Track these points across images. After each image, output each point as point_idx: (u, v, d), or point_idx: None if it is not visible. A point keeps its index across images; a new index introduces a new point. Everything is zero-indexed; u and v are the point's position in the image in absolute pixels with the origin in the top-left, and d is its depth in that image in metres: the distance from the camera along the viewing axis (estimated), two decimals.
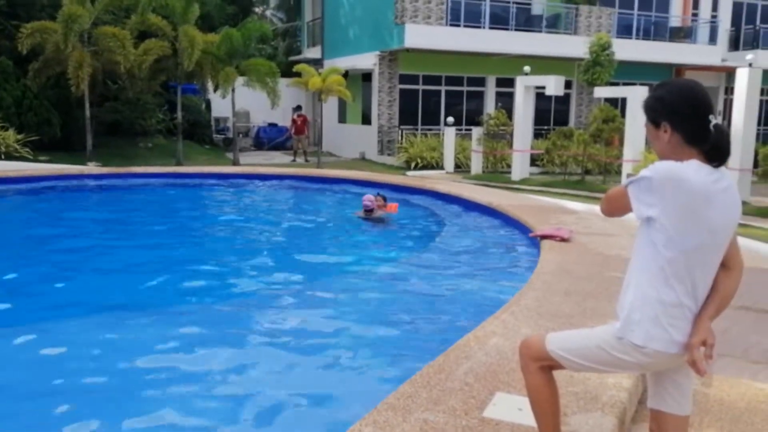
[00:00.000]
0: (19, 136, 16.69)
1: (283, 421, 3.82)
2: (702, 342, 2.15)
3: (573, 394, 3.27)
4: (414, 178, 16.02)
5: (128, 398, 4.10)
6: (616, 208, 2.32)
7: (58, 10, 16.57)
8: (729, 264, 2.25)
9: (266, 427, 3.79)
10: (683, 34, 25.41)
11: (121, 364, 4.58)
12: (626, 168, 14.87)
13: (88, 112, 17.30)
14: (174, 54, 18.30)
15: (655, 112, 2.23)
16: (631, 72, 22.13)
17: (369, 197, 10.36)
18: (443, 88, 22.80)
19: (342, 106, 24.18)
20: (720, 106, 26.58)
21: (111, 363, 4.59)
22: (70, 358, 4.69)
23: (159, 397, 4.10)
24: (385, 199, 10.67)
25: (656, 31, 25.13)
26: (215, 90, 20.16)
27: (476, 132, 18.52)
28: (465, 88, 23.16)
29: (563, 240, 7.30)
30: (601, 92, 17.01)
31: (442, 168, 19.24)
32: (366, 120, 23.18)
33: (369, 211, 10.24)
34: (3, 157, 16.06)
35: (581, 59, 19.61)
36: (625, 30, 24.44)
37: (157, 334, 5.24)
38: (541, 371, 2.45)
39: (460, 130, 20.72)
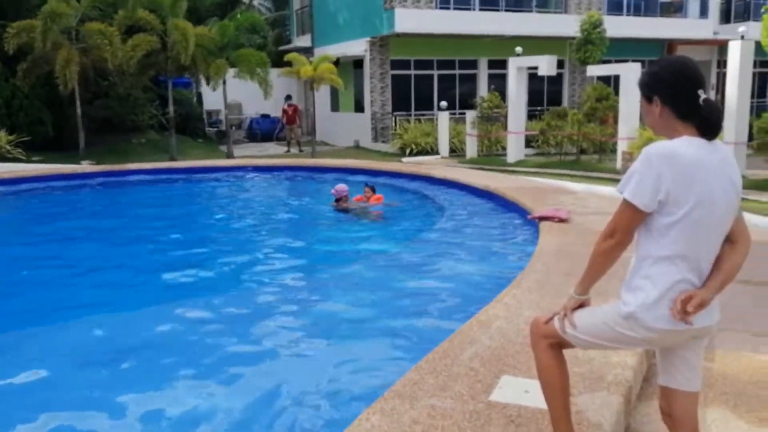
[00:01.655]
0: (11, 137, 16.61)
1: (288, 411, 3.83)
2: (694, 300, 2.15)
3: (578, 374, 3.28)
4: (409, 164, 15.99)
5: (129, 393, 4.10)
6: (625, 225, 2.21)
7: None
8: (735, 238, 2.26)
9: (271, 417, 3.80)
10: (674, 9, 25.34)
11: (122, 358, 4.59)
12: (621, 146, 14.86)
13: (79, 110, 17.22)
14: (163, 48, 18.18)
15: (647, 87, 2.27)
16: (624, 49, 22.06)
17: (340, 187, 10.12)
18: (435, 73, 22.72)
19: (334, 94, 24.08)
20: (713, 80, 26.56)
21: (110, 357, 4.60)
22: (72, 353, 4.69)
23: (159, 389, 4.11)
24: (373, 189, 10.47)
25: (647, 6, 25.03)
26: (207, 83, 20.06)
27: (470, 115, 18.47)
28: (457, 72, 23.08)
29: (562, 221, 7.31)
30: (594, 70, 16.96)
31: (437, 153, 19.21)
32: (359, 107, 23.10)
33: (338, 200, 10.04)
34: None
35: (573, 38, 19.54)
36: (616, 7, 24.35)
37: (150, 328, 5.24)
38: (550, 349, 2.48)
39: (454, 114, 20.67)
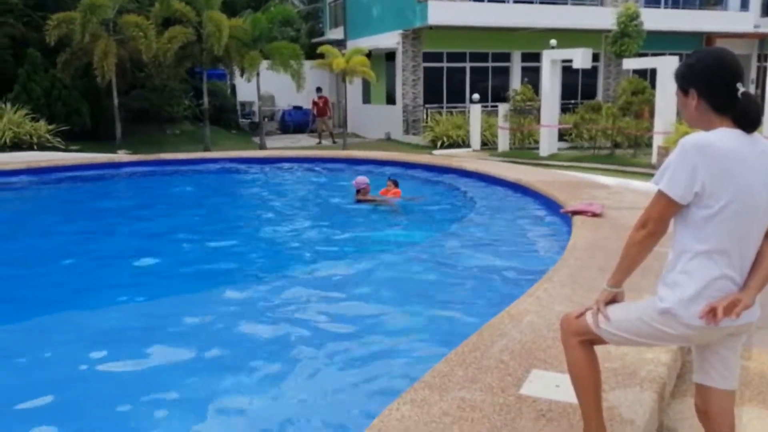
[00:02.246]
0: (51, 127, 16.98)
1: (317, 401, 3.87)
2: (738, 308, 2.12)
3: (611, 369, 3.25)
4: (440, 156, 15.94)
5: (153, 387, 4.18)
6: (659, 215, 2.19)
7: None
8: None
9: (300, 406, 3.84)
10: (713, 1, 24.78)
11: (150, 346, 4.68)
12: (657, 140, 14.61)
13: (116, 101, 17.52)
14: (198, 40, 18.39)
15: (683, 79, 2.23)
16: (661, 42, 21.65)
17: (360, 179, 10.07)
18: (468, 65, 22.57)
19: (366, 86, 24.09)
20: (753, 74, 25.91)
21: (141, 346, 4.69)
22: (109, 339, 4.80)
23: (183, 385, 4.18)
24: (396, 183, 10.35)
25: None
26: (241, 75, 20.25)
27: (502, 108, 18.33)
28: (490, 64, 22.90)
29: (595, 215, 7.21)
30: (630, 64, 16.68)
31: (468, 146, 19.12)
32: (390, 100, 23.07)
33: (358, 192, 10.00)
34: (36, 147, 16.37)
35: (609, 31, 19.26)
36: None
37: (179, 316, 5.33)
38: (581, 346, 2.44)
39: (486, 106, 20.53)
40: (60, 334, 5.03)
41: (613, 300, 2.38)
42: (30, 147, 16.33)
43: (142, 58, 17.63)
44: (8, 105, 17.02)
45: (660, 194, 2.15)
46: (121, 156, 15.97)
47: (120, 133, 17.60)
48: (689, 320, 2.16)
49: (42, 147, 16.46)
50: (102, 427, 3.69)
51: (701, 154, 2.06)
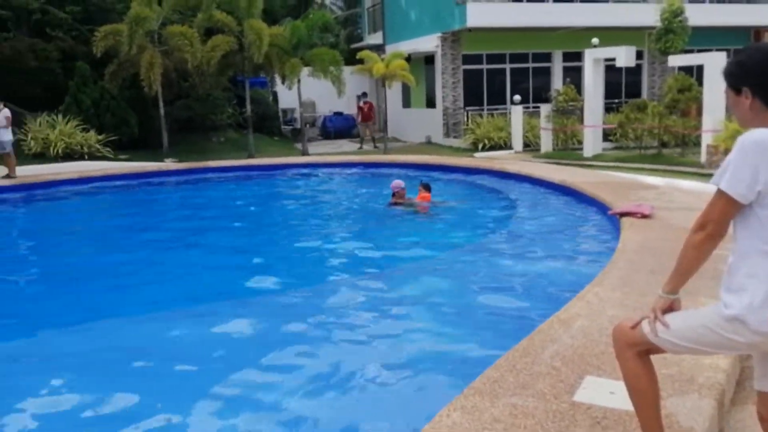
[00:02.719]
0: (100, 137, 17.46)
1: (366, 407, 3.87)
2: None
3: (667, 376, 3.17)
4: (482, 159, 15.85)
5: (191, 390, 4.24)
6: (718, 216, 2.12)
7: None
8: None
9: (349, 411, 3.84)
10: None
11: (187, 355, 4.75)
12: (706, 138, 14.23)
13: (162, 111, 17.92)
14: (240, 49, 18.68)
15: (735, 77, 2.14)
16: (707, 38, 21.11)
17: (396, 182, 10.13)
18: (508, 66, 22.38)
19: (406, 90, 24.10)
20: None
21: (187, 351, 4.78)
22: (149, 348, 4.89)
23: (229, 391, 4.23)
24: (427, 188, 10.26)
25: None
26: (282, 82, 20.48)
27: (544, 109, 18.12)
28: (530, 65, 22.66)
29: (644, 216, 7.07)
30: (676, 61, 16.30)
31: (510, 148, 18.95)
32: (430, 103, 23.03)
33: (394, 195, 10.05)
34: (86, 157, 16.85)
35: (652, 27, 18.84)
36: None
37: (222, 326, 5.40)
38: (637, 357, 2.36)
39: (528, 107, 20.32)
40: (106, 340, 5.16)
41: (669, 308, 2.30)
42: (81, 157, 16.82)
43: (187, 68, 17.99)
44: (60, 116, 17.57)
45: (720, 194, 2.08)
46: (169, 164, 16.33)
47: (167, 141, 17.98)
48: (759, 327, 2.07)
49: (92, 157, 16.95)
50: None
51: (761, 151, 2.00)
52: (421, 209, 10.01)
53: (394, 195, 10.11)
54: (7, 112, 13.39)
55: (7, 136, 13.41)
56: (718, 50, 15.27)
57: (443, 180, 13.12)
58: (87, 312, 5.94)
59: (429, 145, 22.19)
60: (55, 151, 16.66)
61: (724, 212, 2.10)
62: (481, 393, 3.13)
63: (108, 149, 17.42)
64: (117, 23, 17.74)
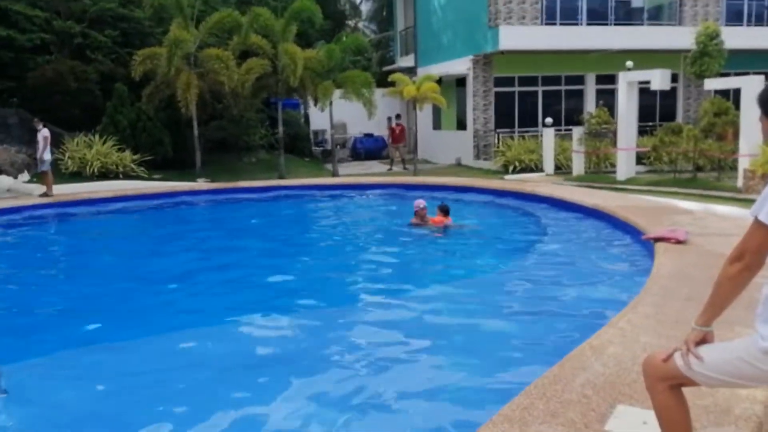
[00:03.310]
0: (135, 156, 17.81)
1: None
2: None
3: (702, 407, 3.08)
4: (513, 181, 15.75)
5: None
6: (756, 247, 2.07)
7: None
8: None
9: None
10: None
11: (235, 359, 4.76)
12: (742, 163, 13.95)
13: (196, 131, 18.22)
14: (274, 71, 18.95)
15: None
16: (744, 61, 20.80)
17: (419, 201, 10.21)
18: (540, 89, 22.32)
19: (436, 112, 24.16)
20: None
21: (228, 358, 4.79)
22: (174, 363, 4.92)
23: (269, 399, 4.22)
24: (444, 210, 10.16)
25: None
26: (315, 104, 20.68)
27: (577, 132, 17.97)
28: (563, 87, 22.56)
29: (679, 242, 6.93)
30: (712, 84, 16.06)
31: (541, 170, 18.79)
32: (461, 125, 23.03)
33: (416, 213, 10.11)
34: (121, 176, 17.19)
35: (687, 51, 18.66)
36: (735, 17, 23.04)
37: (256, 344, 5.41)
38: (670, 390, 2.29)
39: (560, 130, 20.19)
40: (136, 355, 5.21)
41: (702, 340, 2.23)
42: (116, 176, 17.16)
43: (221, 90, 18.31)
44: (96, 137, 17.98)
45: (759, 225, 2.02)
46: (201, 184, 16.56)
47: (200, 161, 18.26)
48: None
49: (127, 176, 17.27)
50: None
51: None
52: (437, 233, 9.99)
53: (416, 214, 10.13)
54: (46, 132, 13.75)
55: (46, 155, 13.76)
56: (755, 73, 15.02)
57: (474, 202, 13.07)
58: (119, 329, 6.01)
59: (459, 167, 22.15)
60: (91, 170, 17.03)
61: (762, 243, 2.04)
62: (511, 420, 3.07)
63: (142, 169, 17.75)
64: (154, 46, 18.18)
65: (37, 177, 15.54)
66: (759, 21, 23.38)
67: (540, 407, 3.19)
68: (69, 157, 17.35)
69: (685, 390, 2.36)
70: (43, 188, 14.12)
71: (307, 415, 4.02)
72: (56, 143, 16.69)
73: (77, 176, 16.92)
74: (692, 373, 2.21)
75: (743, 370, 2.13)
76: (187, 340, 5.54)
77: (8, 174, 16.13)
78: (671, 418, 2.31)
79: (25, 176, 16.68)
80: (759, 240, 2.04)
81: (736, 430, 2.91)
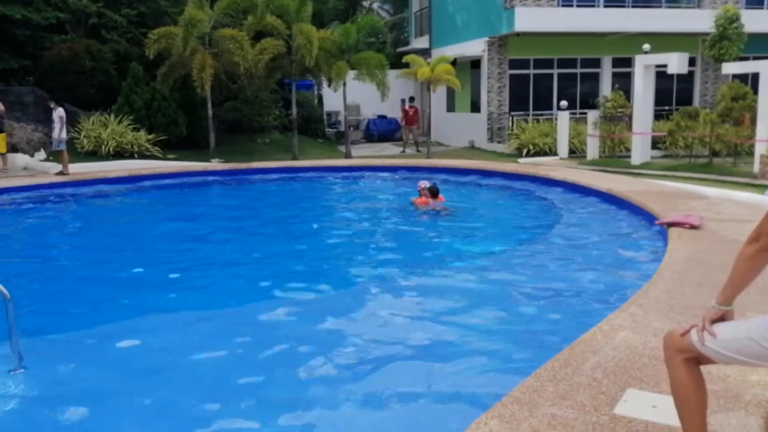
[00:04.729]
0: (150, 136, 17.90)
1: (403, 413, 3.86)
2: None
3: (712, 392, 3.08)
4: (527, 165, 15.69)
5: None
6: None
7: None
8: None
9: (386, 422, 3.84)
10: None
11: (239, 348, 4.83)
12: (759, 148, 13.81)
13: (210, 112, 18.25)
14: (288, 52, 18.90)
15: None
16: (763, 45, 20.48)
17: (422, 183, 10.36)
18: (555, 72, 22.12)
19: (450, 94, 24.04)
20: None
21: (231, 344, 4.85)
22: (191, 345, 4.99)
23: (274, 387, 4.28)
24: (432, 192, 10.27)
25: None
26: (329, 85, 20.63)
27: (592, 115, 17.83)
28: (579, 70, 22.35)
29: (693, 227, 6.90)
30: (730, 68, 15.85)
31: (555, 154, 18.70)
32: (475, 108, 22.91)
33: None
34: (136, 156, 17.29)
35: (706, 34, 18.40)
36: (755, 0, 22.65)
37: (267, 327, 5.47)
38: (686, 364, 2.34)
39: (574, 113, 20.04)
40: (146, 336, 5.29)
41: (721, 318, 2.29)
42: (131, 155, 17.26)
43: (235, 71, 18.30)
44: (112, 116, 18.07)
45: None
46: (215, 164, 16.63)
47: (213, 142, 18.31)
48: None
49: (141, 155, 17.37)
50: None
51: None
52: (445, 212, 10.14)
53: (420, 195, 10.34)
54: (61, 111, 13.84)
55: (62, 134, 13.87)
56: None
57: (486, 185, 13.05)
58: (128, 309, 6.08)
59: (472, 149, 22.07)
60: (107, 149, 17.12)
61: None
62: (520, 402, 3.11)
63: (157, 148, 17.83)
64: (170, 26, 18.17)
65: (54, 155, 15.68)
66: None
67: (550, 390, 3.22)
68: (84, 137, 17.45)
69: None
70: (59, 167, 14.26)
71: (319, 396, 4.08)
72: (72, 122, 16.79)
73: (93, 155, 17.03)
74: (705, 349, 2.27)
75: (751, 349, 2.18)
76: (195, 321, 5.59)
77: (24, 152, 16.29)
78: (685, 392, 2.35)
79: (41, 154, 16.84)
80: None
81: (745, 416, 2.93)
